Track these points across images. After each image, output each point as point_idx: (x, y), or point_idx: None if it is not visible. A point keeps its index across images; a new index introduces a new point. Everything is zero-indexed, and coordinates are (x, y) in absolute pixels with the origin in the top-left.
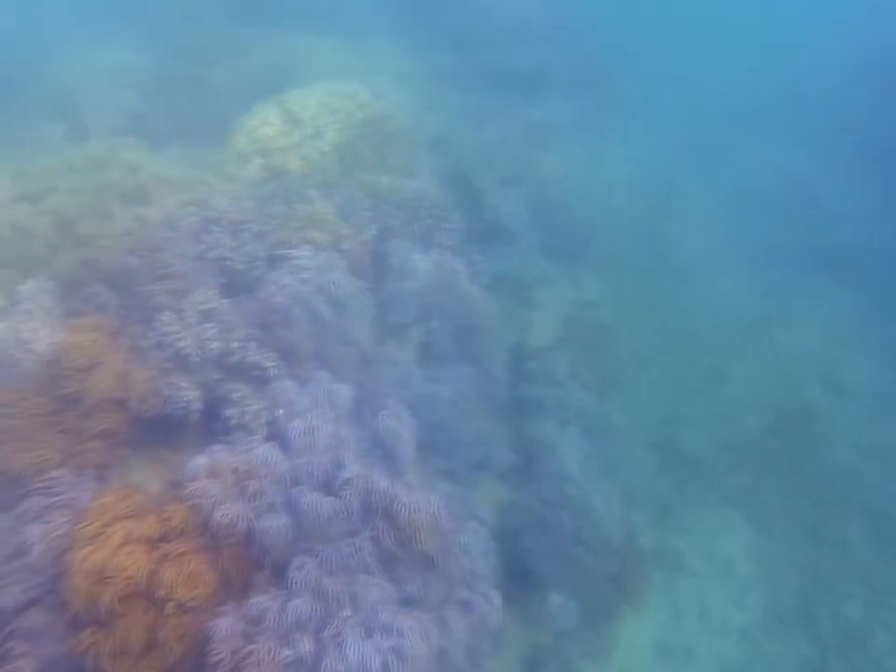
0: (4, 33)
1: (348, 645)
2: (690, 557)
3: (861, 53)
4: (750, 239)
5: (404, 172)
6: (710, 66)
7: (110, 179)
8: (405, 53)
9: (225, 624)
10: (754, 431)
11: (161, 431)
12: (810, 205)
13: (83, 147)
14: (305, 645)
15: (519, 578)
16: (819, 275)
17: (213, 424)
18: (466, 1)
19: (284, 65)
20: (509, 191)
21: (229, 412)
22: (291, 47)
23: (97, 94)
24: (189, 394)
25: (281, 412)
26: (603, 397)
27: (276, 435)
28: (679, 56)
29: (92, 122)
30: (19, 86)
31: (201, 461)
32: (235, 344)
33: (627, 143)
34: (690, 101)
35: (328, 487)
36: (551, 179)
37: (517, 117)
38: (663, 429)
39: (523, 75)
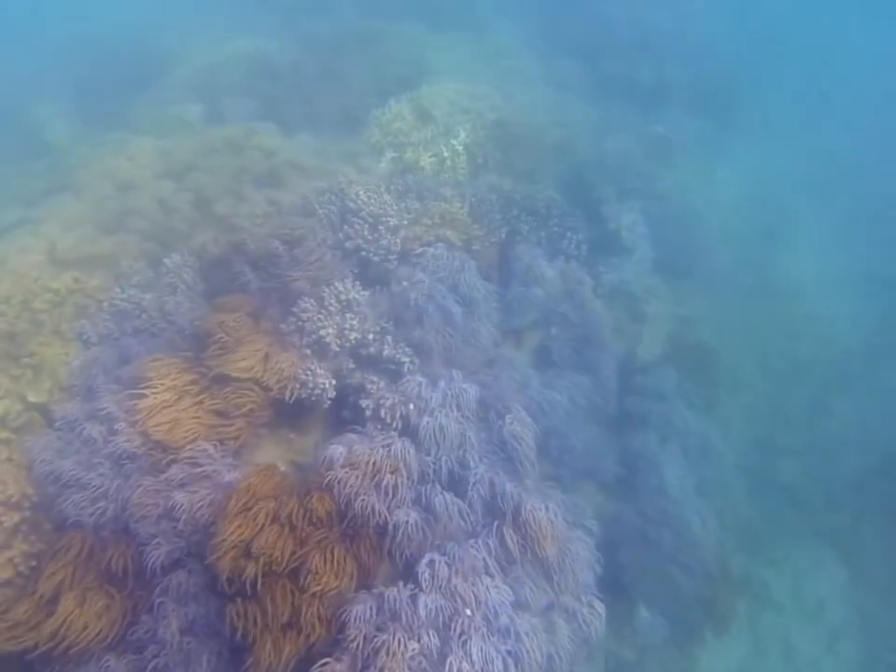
0: (147, 18)
1: (473, 645)
2: (777, 591)
3: None
4: (864, 270)
5: (529, 177)
6: (836, 91)
7: (246, 162)
8: (531, 56)
9: (360, 612)
10: (856, 470)
11: (291, 414)
12: None
13: (221, 129)
14: (432, 640)
15: (610, 589)
16: None
17: (341, 411)
18: (593, 10)
19: (412, 60)
20: (627, 204)
21: (364, 402)
22: (420, 42)
23: (232, 78)
24: (325, 381)
25: (412, 407)
26: (703, 416)
27: (407, 430)
28: (803, 78)
29: (228, 105)
30: (161, 68)
31: (339, 451)
32: (371, 336)
33: (744, 163)
34: (811, 125)
35: (454, 486)
36: (666, 195)
37: (637, 129)
38: (758, 456)
39: (644, 87)
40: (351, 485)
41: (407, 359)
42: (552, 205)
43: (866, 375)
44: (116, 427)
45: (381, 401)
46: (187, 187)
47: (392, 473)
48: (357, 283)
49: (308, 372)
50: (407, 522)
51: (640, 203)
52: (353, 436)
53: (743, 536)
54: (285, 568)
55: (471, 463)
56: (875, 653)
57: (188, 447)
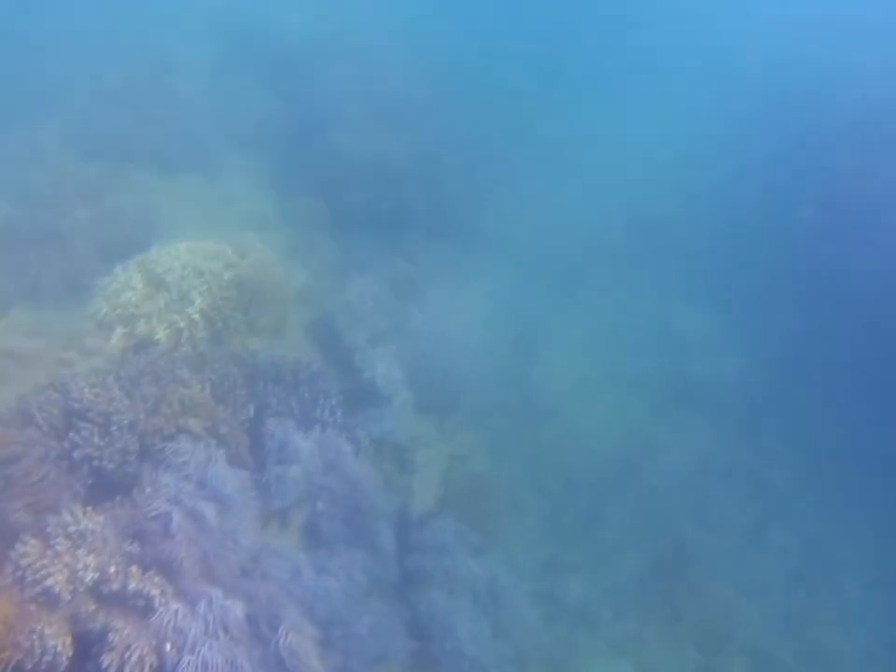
0: None
1: None
2: None
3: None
4: (612, 374)
5: (275, 334)
6: (564, 201)
7: None
8: (265, 195)
9: None
10: (634, 574)
11: None
12: (667, 338)
13: None
14: None
15: None
16: (679, 407)
17: (85, 666)
18: (326, 142)
19: (141, 214)
20: (380, 349)
21: (108, 658)
22: (148, 191)
23: None
24: (57, 641)
25: (168, 646)
26: (487, 554)
27: None
28: (532, 191)
29: None
30: None
31: None
32: (113, 569)
33: (489, 280)
34: (545, 236)
35: None
36: (419, 331)
37: (382, 264)
38: (545, 579)
39: (385, 216)
40: None
41: (157, 591)
42: (299, 370)
43: (627, 477)
44: None
45: (128, 654)
46: None
47: None
48: (87, 501)
49: (33, 635)
50: None
51: (393, 345)
52: None
53: (545, 666)
54: None
55: None
56: None
57: None
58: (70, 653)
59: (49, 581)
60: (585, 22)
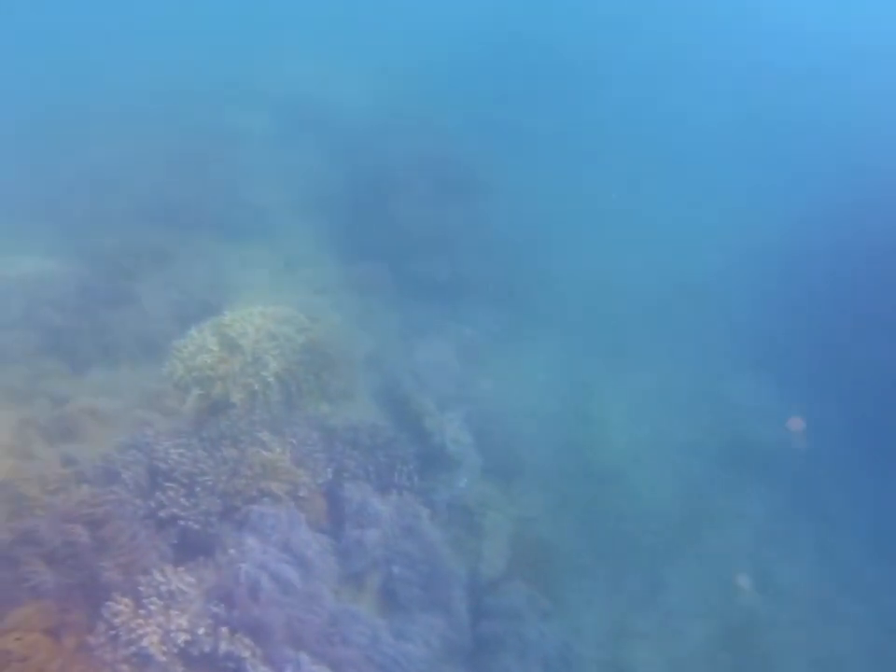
0: None
1: None
2: None
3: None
4: (667, 438)
5: (346, 397)
6: (617, 269)
7: (33, 411)
8: (328, 262)
9: None
10: (702, 643)
11: None
12: (720, 402)
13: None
14: None
15: None
16: (736, 472)
17: None
18: (385, 210)
19: (212, 278)
20: (448, 414)
21: None
22: (217, 256)
23: (12, 308)
24: None
25: None
26: (555, 619)
27: None
28: (586, 261)
29: (8, 341)
30: None
31: None
32: (202, 631)
33: (547, 350)
34: (600, 304)
35: None
36: (484, 396)
37: (445, 331)
38: (612, 646)
39: (445, 284)
40: None
41: (248, 653)
42: (376, 434)
43: (689, 542)
44: None
45: None
46: None
47: None
48: (177, 563)
49: None
50: None
51: (461, 409)
52: None
53: None
54: None
55: None
56: None
57: None
58: None
59: (144, 642)
60: (639, 94)
